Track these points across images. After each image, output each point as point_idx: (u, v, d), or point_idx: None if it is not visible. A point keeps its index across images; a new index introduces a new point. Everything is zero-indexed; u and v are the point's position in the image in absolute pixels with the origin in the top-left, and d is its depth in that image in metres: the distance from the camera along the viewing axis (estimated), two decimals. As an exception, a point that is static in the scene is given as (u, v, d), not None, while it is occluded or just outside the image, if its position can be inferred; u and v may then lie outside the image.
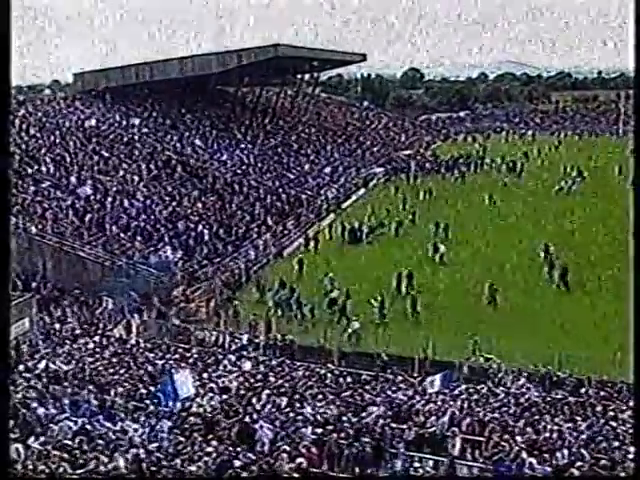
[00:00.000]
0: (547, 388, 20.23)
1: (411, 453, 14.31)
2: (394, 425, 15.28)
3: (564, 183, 50.84)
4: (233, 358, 21.53)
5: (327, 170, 57.19)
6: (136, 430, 13.61)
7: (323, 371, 20.34)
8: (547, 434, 14.88)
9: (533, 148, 73.85)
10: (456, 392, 18.63)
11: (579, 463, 12.83)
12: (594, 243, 35.65)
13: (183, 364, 20.04)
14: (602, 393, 19.08)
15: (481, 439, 14.90)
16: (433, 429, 15.32)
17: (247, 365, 20.73)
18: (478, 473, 13.67)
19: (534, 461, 13.18)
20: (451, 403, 17.10)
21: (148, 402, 16.01)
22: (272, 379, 18.78)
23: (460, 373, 21.37)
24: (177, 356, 21.67)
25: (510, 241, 37.21)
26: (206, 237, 34.84)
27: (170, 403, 15.66)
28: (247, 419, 14.90)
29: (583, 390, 19.59)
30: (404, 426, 15.37)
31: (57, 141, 41.22)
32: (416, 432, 15.08)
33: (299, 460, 12.26)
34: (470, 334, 23.53)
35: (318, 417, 15.35)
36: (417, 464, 13.56)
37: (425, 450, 14.66)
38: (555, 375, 20.91)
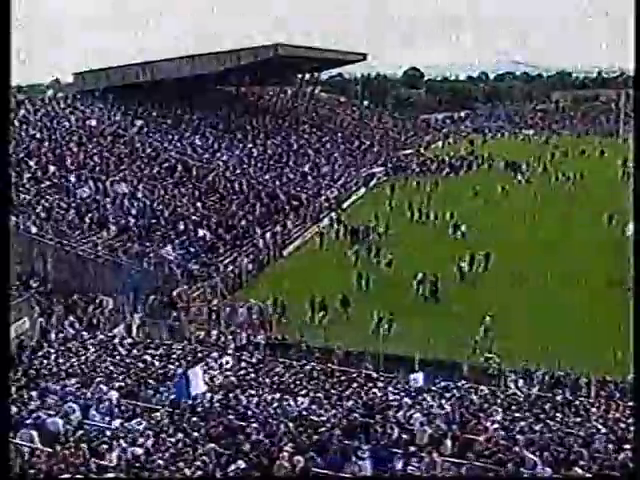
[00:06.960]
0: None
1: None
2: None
3: (520, 176, 60.47)
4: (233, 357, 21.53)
5: (327, 170, 57.28)
6: (132, 427, 13.61)
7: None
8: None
9: (530, 148, 74.99)
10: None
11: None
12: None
13: (185, 364, 20.04)
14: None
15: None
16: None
17: (242, 363, 20.80)
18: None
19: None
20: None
21: (147, 400, 16.04)
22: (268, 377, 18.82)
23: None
24: (177, 356, 21.67)
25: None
26: (207, 237, 34.90)
27: (182, 399, 15.71)
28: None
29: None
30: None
31: (57, 141, 41.24)
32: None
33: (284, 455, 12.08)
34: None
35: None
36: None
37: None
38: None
